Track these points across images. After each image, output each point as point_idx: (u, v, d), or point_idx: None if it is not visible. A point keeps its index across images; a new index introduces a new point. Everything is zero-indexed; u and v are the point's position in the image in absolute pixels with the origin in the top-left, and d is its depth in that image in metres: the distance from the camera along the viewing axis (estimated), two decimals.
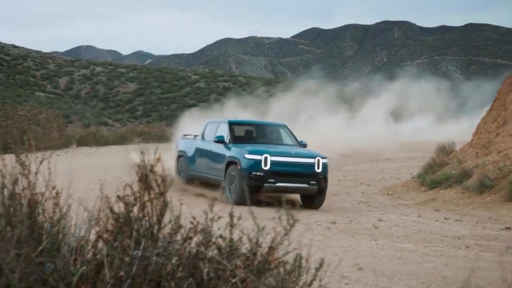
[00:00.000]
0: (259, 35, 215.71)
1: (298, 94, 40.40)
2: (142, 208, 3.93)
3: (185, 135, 22.73)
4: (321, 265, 4.10)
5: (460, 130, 35.84)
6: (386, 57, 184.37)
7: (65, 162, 25.98)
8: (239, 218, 4.00)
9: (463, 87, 76.13)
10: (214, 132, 20.15)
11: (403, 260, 10.09)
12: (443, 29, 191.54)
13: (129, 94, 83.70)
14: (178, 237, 3.97)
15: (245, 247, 4.00)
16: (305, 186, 18.24)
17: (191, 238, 3.90)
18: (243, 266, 3.81)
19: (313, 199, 18.61)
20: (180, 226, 4.06)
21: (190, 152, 21.38)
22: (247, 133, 20.30)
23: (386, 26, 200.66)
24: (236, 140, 19.38)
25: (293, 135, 20.39)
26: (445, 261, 9.96)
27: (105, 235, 4.10)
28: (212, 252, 3.91)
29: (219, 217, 4.01)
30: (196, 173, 20.90)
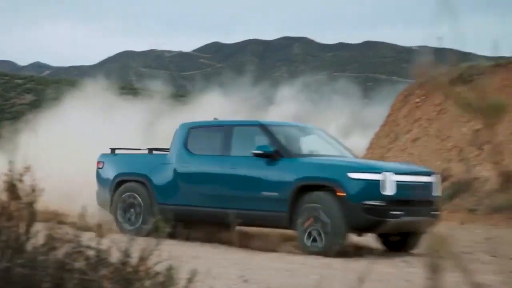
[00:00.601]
0: (160, 48, 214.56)
1: (194, 107, 40.37)
2: (9, 218, 3.85)
3: (114, 149, 15.55)
4: (193, 276, 4.09)
5: (358, 145, 36.46)
6: (286, 72, 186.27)
7: None
8: (109, 229, 3.98)
9: (361, 103, 77.66)
10: (217, 142, 13.79)
11: (291, 273, 10.16)
12: (342, 46, 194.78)
13: (25, 105, 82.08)
14: (46, 248, 3.91)
15: (115, 257, 3.96)
16: (426, 219, 12.28)
17: (55, 248, 3.84)
18: (111, 276, 3.77)
19: (409, 237, 12.92)
20: (53, 238, 3.99)
21: (158, 176, 14.24)
22: (289, 141, 13.63)
23: (286, 42, 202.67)
24: (291, 152, 13.08)
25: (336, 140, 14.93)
26: (332, 273, 10.09)
27: None
28: (79, 263, 3.86)
29: (89, 228, 3.97)
30: (184, 207, 13.64)
